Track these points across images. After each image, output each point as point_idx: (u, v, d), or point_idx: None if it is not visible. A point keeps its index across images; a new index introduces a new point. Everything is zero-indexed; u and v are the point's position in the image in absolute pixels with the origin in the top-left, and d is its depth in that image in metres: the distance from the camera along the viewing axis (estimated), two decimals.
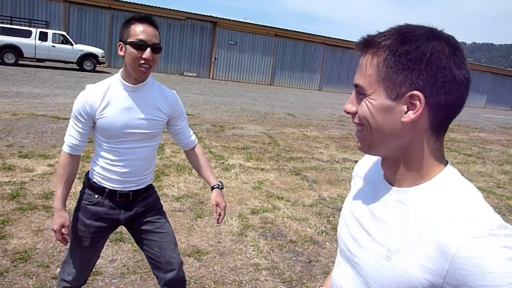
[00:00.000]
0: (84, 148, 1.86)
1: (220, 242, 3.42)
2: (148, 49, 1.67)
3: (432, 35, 0.70)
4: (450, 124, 0.76)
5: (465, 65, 0.70)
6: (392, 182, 0.79)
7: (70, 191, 1.89)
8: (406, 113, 0.70)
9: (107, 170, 1.82)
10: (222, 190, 2.01)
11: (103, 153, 1.82)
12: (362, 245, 0.80)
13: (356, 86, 0.76)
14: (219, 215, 1.96)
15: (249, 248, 3.38)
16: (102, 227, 1.88)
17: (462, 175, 0.79)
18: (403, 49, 0.69)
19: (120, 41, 1.71)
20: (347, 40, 29.35)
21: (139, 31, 1.66)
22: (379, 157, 0.84)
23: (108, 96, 1.74)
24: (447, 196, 0.70)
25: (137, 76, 1.73)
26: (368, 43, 0.73)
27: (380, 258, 0.74)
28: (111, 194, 1.85)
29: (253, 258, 3.21)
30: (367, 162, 0.93)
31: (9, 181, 4.16)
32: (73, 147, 1.80)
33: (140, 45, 1.65)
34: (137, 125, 1.78)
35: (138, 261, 2.94)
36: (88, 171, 1.92)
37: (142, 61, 1.67)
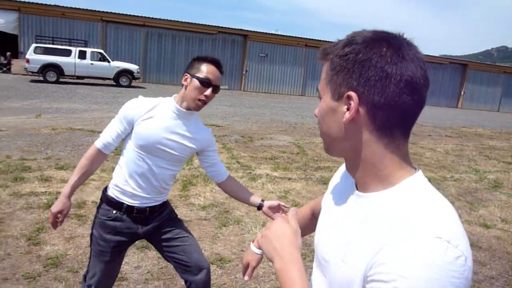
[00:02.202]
0: (113, 150, 1.95)
1: (243, 251, 3.45)
2: (210, 88, 1.84)
3: (374, 37, 0.71)
4: (410, 127, 0.74)
5: (405, 64, 0.68)
6: (358, 186, 0.79)
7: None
8: (345, 113, 0.72)
9: (127, 184, 1.90)
10: None
11: (128, 165, 1.89)
12: (330, 251, 0.80)
13: (317, 90, 0.80)
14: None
15: None
16: (121, 241, 1.95)
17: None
18: (343, 51, 0.72)
19: (187, 73, 1.86)
20: None
21: (209, 70, 1.84)
22: None
23: (154, 111, 1.87)
24: (405, 202, 0.69)
25: (192, 107, 1.87)
26: (325, 51, 0.77)
27: (340, 261, 0.75)
28: (129, 209, 1.92)
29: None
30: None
31: (46, 191, 4.38)
32: (106, 145, 1.91)
33: (205, 82, 1.82)
34: (169, 145, 1.88)
35: (162, 268, 3.01)
36: (106, 187, 2.01)
37: (202, 97, 1.83)
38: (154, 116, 1.86)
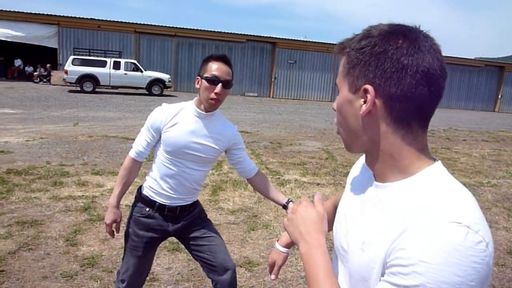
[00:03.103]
0: (146, 157, 2.06)
1: None
2: (220, 85, 1.87)
3: (390, 30, 0.71)
4: (427, 119, 0.73)
5: (422, 55, 0.69)
6: (376, 177, 0.80)
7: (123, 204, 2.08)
8: (362, 106, 0.73)
9: (159, 186, 2.00)
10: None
11: (159, 168, 2.00)
12: (348, 241, 0.81)
13: (336, 85, 0.82)
14: None
15: (300, 261, 3.38)
16: (153, 237, 2.05)
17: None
18: (359, 45, 0.73)
19: (198, 75, 1.93)
20: None
21: (215, 68, 1.87)
22: None
23: (178, 117, 1.95)
24: (424, 190, 0.69)
25: (207, 107, 1.92)
26: (341, 45, 0.78)
27: (358, 249, 0.76)
28: (161, 208, 2.02)
29: (303, 271, 3.21)
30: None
31: (82, 195, 4.58)
32: (139, 154, 2.02)
33: (213, 80, 1.86)
34: (196, 148, 1.95)
35: (192, 270, 3.08)
36: (141, 186, 2.11)
37: (213, 95, 1.87)
38: (178, 121, 1.93)
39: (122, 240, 3.44)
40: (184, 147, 1.93)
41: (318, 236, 0.79)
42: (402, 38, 0.70)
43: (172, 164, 1.97)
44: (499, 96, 31.28)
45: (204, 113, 1.94)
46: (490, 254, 0.62)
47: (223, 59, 1.90)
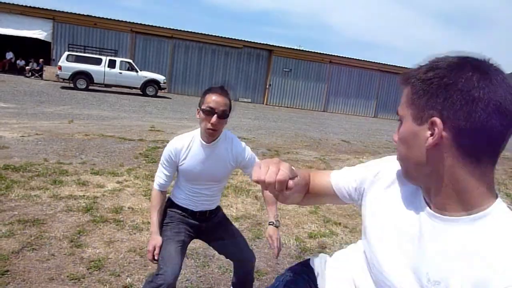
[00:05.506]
0: (169, 185, 2.23)
1: (278, 264, 3.45)
2: (215, 116, 1.95)
3: (459, 62, 0.70)
4: (498, 152, 0.71)
5: (493, 88, 0.66)
6: (432, 207, 0.75)
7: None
8: (428, 139, 0.71)
9: (184, 199, 2.21)
10: (278, 228, 2.19)
11: (183, 188, 2.23)
12: (397, 267, 0.76)
13: (398, 114, 0.81)
14: (276, 248, 2.15)
15: None
16: (188, 230, 2.21)
17: None
18: (426, 76, 0.72)
19: (198, 106, 2.04)
20: (403, 67, 28.70)
21: (211, 99, 1.97)
22: None
23: (189, 149, 2.09)
24: (500, 232, 0.65)
25: (205, 137, 2.05)
26: (406, 76, 0.78)
27: (417, 285, 0.70)
28: (193, 213, 2.23)
29: None
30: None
31: (83, 195, 4.50)
32: (161, 186, 2.20)
33: (208, 112, 1.95)
34: (208, 174, 2.14)
35: (200, 277, 3.05)
36: (169, 198, 2.30)
37: (209, 125, 1.96)
38: (189, 154, 2.09)
39: (127, 243, 3.42)
40: (199, 174, 2.11)
41: None
42: (472, 70, 0.68)
43: (193, 185, 2.17)
44: None
45: (207, 143, 2.07)
46: None
47: (220, 91, 2.00)
